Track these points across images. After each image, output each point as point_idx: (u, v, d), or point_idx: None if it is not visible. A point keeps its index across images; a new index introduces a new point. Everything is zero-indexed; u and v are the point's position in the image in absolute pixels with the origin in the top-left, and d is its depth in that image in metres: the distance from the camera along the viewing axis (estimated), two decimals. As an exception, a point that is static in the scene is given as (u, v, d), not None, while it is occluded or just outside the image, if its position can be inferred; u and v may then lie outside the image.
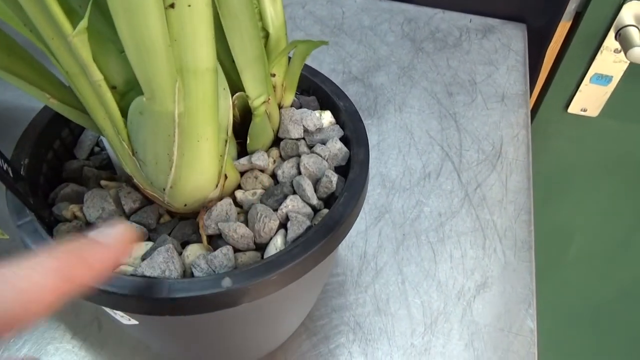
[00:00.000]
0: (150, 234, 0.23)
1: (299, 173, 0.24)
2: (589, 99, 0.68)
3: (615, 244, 0.83)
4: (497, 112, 0.54)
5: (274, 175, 0.25)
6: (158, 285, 0.19)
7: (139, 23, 0.16)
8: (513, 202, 0.47)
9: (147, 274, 0.19)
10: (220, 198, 0.23)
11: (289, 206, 0.22)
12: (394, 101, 0.54)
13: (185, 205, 0.22)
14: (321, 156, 0.25)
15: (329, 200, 0.24)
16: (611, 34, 0.62)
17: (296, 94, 0.29)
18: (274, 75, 0.25)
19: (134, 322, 0.22)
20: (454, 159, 0.50)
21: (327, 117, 0.27)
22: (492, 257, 0.43)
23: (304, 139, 0.26)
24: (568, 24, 0.64)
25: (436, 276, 0.42)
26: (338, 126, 0.27)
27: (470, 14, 0.64)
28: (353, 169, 0.24)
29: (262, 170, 0.24)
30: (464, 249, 0.43)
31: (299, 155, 0.25)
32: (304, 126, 0.26)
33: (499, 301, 0.41)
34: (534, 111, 0.72)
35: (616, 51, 0.63)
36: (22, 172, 0.22)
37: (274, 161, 0.25)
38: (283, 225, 0.22)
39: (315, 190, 0.24)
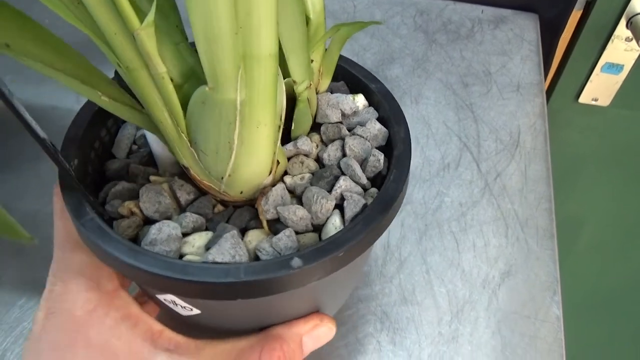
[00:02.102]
0: (207, 224, 0.23)
1: (344, 155, 0.25)
2: (600, 89, 0.68)
3: (627, 232, 0.84)
4: (513, 102, 0.54)
5: (317, 159, 0.25)
6: (234, 270, 0.19)
7: (209, 11, 0.16)
8: (533, 190, 0.47)
9: (218, 259, 0.19)
10: (273, 184, 0.23)
11: (342, 186, 0.23)
12: (410, 93, 0.54)
13: (242, 192, 0.22)
14: (363, 137, 0.25)
15: (375, 179, 0.25)
16: (622, 22, 0.62)
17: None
18: (311, 61, 0.25)
19: (195, 311, 0.22)
20: (472, 149, 0.50)
21: (360, 100, 0.27)
22: (515, 246, 0.43)
23: (341, 122, 0.26)
24: (579, 13, 0.64)
25: (460, 265, 0.42)
26: (372, 108, 0.27)
27: (481, 5, 0.64)
28: (397, 147, 0.24)
29: (306, 155, 0.24)
30: (486, 238, 0.43)
31: (341, 138, 0.25)
32: (341, 110, 0.26)
33: (524, 289, 0.41)
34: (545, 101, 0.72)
35: (627, 39, 0.63)
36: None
37: (317, 146, 0.25)
38: (338, 205, 0.23)
39: (363, 170, 0.24)
